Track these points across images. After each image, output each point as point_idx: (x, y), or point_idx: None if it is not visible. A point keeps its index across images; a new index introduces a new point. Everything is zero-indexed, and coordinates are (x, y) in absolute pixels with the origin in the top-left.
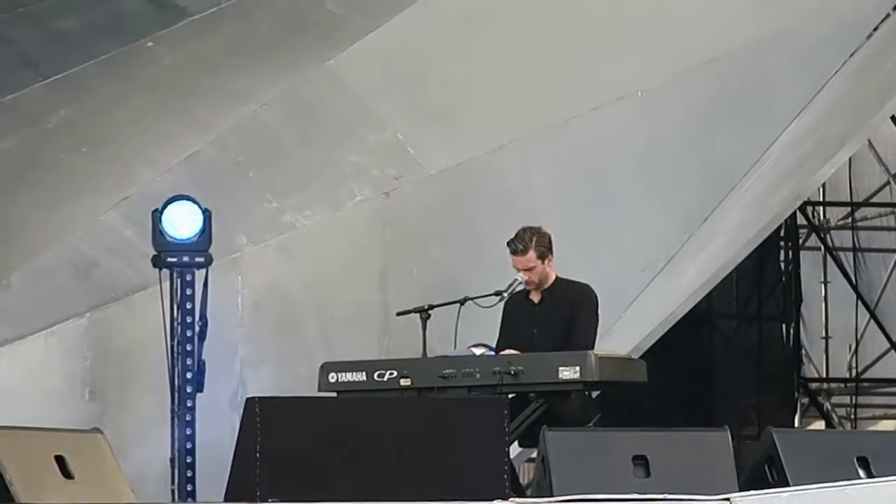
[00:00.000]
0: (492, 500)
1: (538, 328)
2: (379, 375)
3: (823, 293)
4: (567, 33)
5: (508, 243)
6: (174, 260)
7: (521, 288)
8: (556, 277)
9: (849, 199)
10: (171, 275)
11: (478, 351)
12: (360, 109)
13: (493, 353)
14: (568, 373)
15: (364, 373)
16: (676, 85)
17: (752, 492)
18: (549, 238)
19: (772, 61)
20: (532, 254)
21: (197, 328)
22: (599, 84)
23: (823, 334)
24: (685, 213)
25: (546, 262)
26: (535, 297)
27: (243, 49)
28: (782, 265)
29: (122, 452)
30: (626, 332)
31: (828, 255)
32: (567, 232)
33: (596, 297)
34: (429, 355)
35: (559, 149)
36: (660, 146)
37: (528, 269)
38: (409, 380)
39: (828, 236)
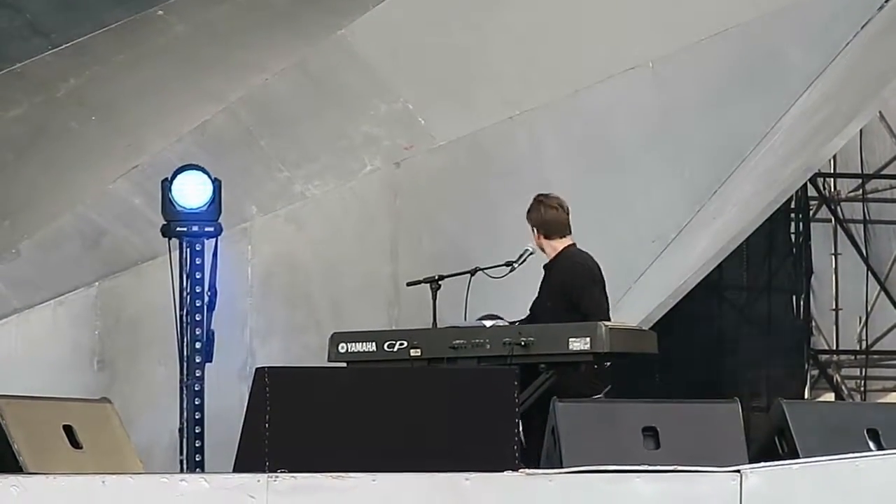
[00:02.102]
0: (501, 470)
1: (544, 300)
2: (389, 346)
3: (834, 265)
4: (578, 3)
5: None
6: (184, 229)
7: (530, 257)
8: (562, 251)
9: (859, 171)
10: (181, 244)
11: (488, 322)
12: (371, 80)
13: (503, 323)
14: (578, 344)
15: (374, 343)
16: (687, 56)
17: (763, 464)
18: (541, 215)
19: (784, 32)
20: (528, 221)
21: (206, 298)
22: (611, 55)
23: (833, 306)
24: (696, 184)
25: (536, 234)
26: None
27: (255, 18)
28: (793, 237)
29: (130, 423)
30: (636, 303)
31: (838, 227)
32: (577, 203)
33: (591, 272)
34: (439, 326)
35: (570, 119)
36: (671, 117)
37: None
38: (419, 350)
39: (838, 208)
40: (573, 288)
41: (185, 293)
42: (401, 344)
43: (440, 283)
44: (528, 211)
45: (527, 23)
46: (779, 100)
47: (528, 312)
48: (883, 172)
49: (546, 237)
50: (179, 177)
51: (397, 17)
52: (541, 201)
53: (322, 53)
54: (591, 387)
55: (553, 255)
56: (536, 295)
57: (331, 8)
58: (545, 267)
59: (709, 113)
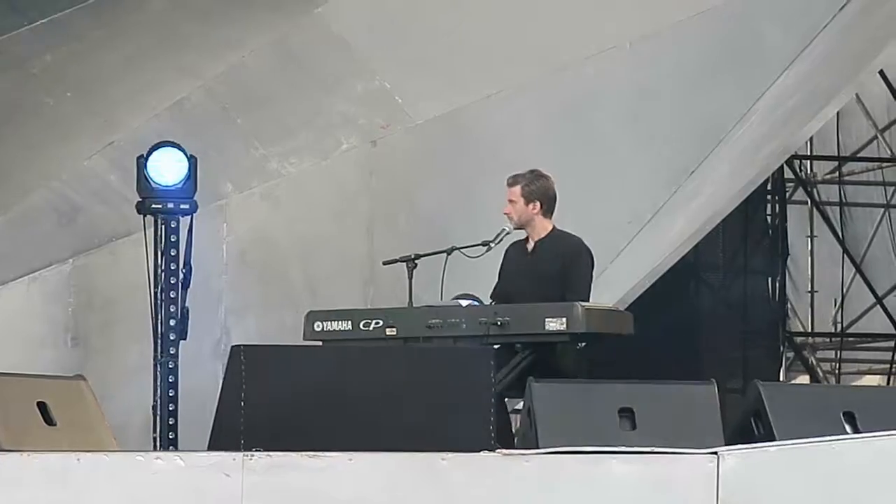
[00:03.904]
0: (478, 450)
1: (529, 278)
2: (365, 325)
3: (810, 247)
4: None
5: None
6: (159, 206)
7: (509, 238)
8: (553, 229)
9: (836, 154)
10: (156, 221)
11: (464, 302)
12: (349, 58)
13: (478, 303)
14: (554, 324)
15: (350, 322)
16: (666, 36)
17: (740, 445)
18: (547, 189)
19: (762, 14)
20: (518, 189)
21: (181, 275)
22: (589, 34)
23: (809, 288)
24: (673, 164)
25: (531, 206)
26: (530, 246)
27: None
28: (769, 219)
29: (103, 400)
30: (612, 283)
31: (814, 210)
32: (555, 182)
33: (590, 253)
34: (415, 305)
35: (548, 99)
36: (649, 98)
37: (511, 202)
38: (394, 329)
39: (815, 190)
40: (574, 266)
41: (159, 270)
42: (376, 323)
43: (416, 262)
44: (528, 182)
45: (505, 2)
46: (756, 81)
47: (498, 291)
48: (860, 155)
49: (544, 213)
50: (155, 153)
51: None
52: (545, 175)
53: (299, 31)
54: (573, 367)
55: (544, 233)
56: (509, 274)
57: None
58: (537, 244)
59: (686, 93)
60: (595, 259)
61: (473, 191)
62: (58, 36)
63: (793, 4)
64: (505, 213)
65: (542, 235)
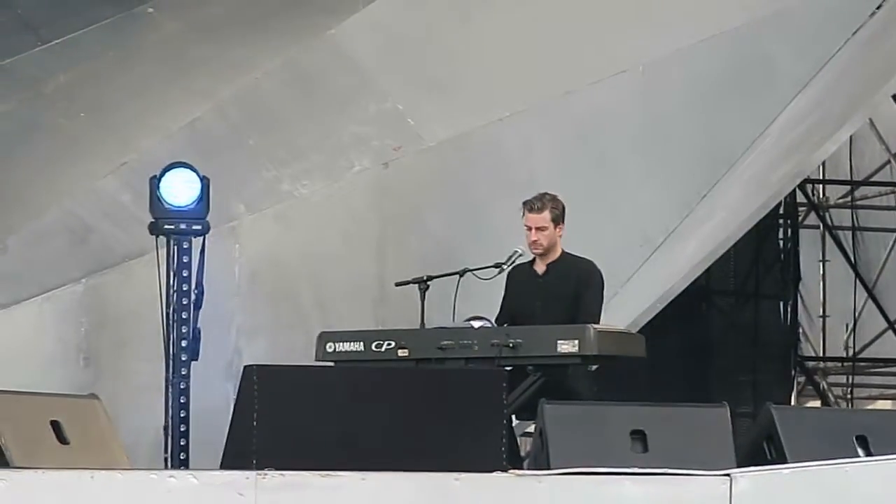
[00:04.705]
0: (490, 471)
1: (542, 300)
2: (377, 346)
3: (822, 272)
4: (569, 6)
5: (525, 202)
6: (171, 227)
7: (521, 260)
8: (563, 251)
9: (849, 178)
10: (168, 242)
11: (476, 323)
12: (361, 80)
13: (490, 325)
14: (566, 346)
15: (362, 343)
16: (678, 60)
17: (754, 468)
18: (564, 208)
19: (774, 38)
20: (547, 214)
21: (193, 296)
22: (601, 58)
23: (821, 313)
24: (684, 188)
25: (558, 229)
26: (540, 269)
27: (245, 17)
28: (781, 243)
29: (115, 419)
30: (623, 306)
31: (827, 234)
32: (566, 205)
33: (601, 276)
34: (426, 327)
35: (559, 122)
36: (660, 121)
37: (540, 229)
38: (406, 350)
39: (827, 214)
40: (587, 288)
41: (171, 291)
42: (388, 344)
43: (428, 284)
44: (553, 205)
45: (517, 25)
46: (768, 105)
47: (504, 316)
48: (872, 179)
49: (560, 234)
50: (168, 174)
51: (387, 18)
52: (556, 197)
53: (312, 53)
54: (585, 389)
55: (556, 256)
56: (517, 297)
57: (321, 7)
58: (549, 266)
59: (698, 117)
60: (606, 282)
61: (485, 213)
62: (71, 56)
63: (805, 29)
64: (533, 242)
65: (555, 258)
